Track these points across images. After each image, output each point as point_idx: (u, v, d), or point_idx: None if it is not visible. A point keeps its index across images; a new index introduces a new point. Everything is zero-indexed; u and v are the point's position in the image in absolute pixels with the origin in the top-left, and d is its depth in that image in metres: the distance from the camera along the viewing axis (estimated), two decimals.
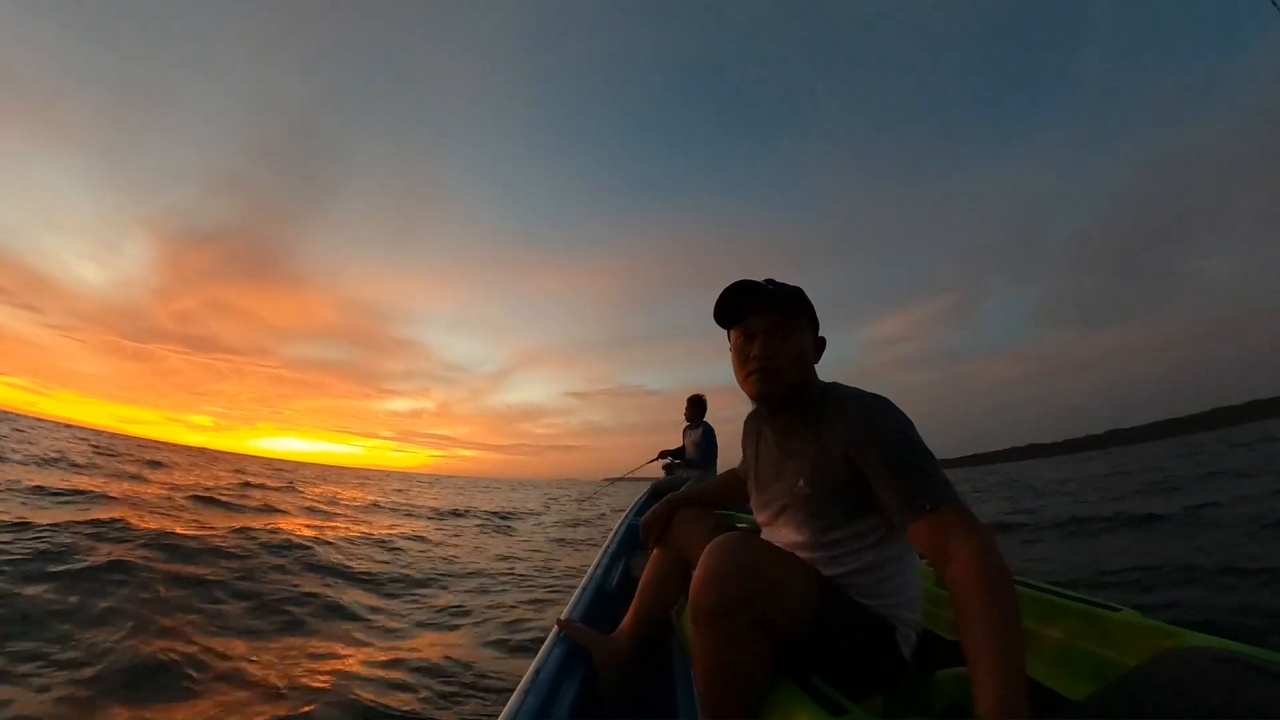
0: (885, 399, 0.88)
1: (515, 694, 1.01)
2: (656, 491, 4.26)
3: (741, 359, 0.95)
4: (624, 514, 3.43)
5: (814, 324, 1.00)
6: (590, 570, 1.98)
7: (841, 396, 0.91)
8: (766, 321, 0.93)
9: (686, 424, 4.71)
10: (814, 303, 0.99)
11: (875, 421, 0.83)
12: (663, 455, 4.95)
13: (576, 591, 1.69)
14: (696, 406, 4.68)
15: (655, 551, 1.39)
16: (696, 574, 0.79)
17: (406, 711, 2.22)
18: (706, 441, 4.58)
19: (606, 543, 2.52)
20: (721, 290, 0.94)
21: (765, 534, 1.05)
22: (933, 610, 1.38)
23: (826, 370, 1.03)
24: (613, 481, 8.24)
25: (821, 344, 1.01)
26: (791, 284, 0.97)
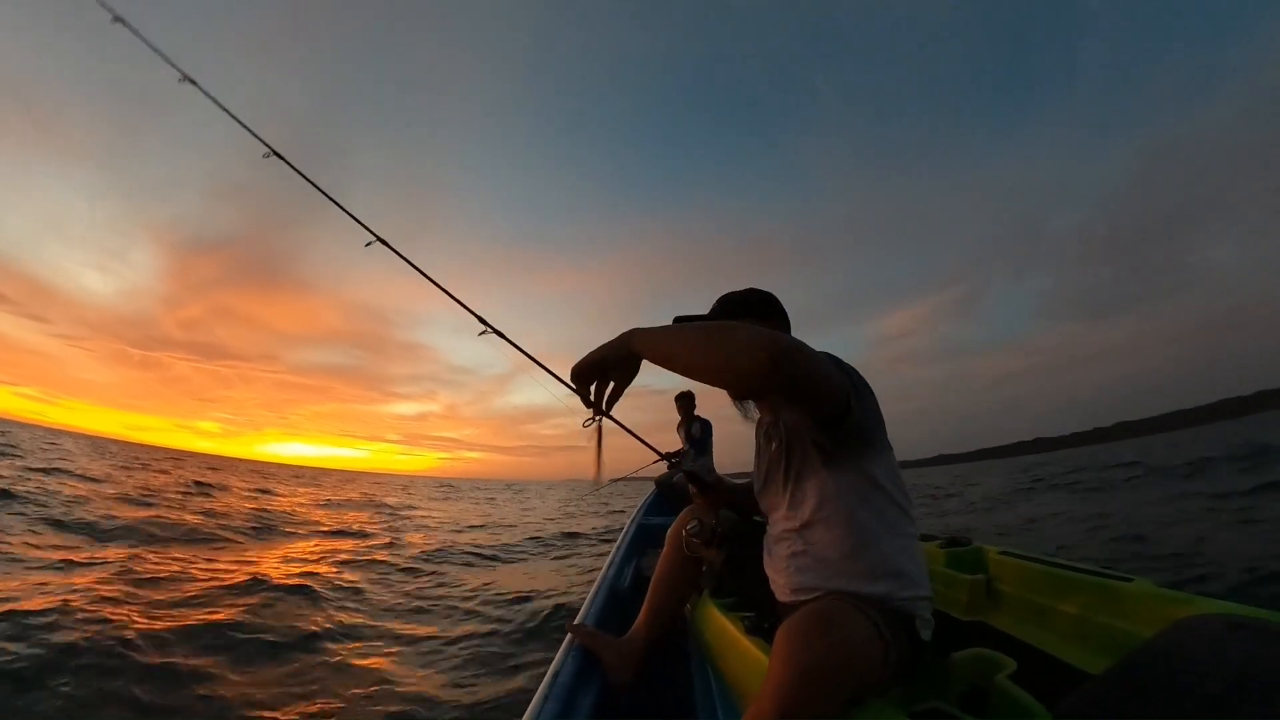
0: None
1: (534, 700, 0.99)
2: (661, 487, 4.26)
3: None
4: (632, 514, 3.38)
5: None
6: (602, 572, 1.92)
7: None
8: None
9: (680, 420, 4.74)
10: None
11: None
12: (668, 457, 4.94)
13: (589, 594, 1.64)
14: (688, 402, 4.76)
15: (665, 549, 1.38)
16: (795, 664, 0.70)
17: None
18: (704, 434, 4.62)
19: (617, 543, 2.44)
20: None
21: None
22: (946, 592, 1.37)
23: None
24: (614, 481, 8.25)
25: None
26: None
